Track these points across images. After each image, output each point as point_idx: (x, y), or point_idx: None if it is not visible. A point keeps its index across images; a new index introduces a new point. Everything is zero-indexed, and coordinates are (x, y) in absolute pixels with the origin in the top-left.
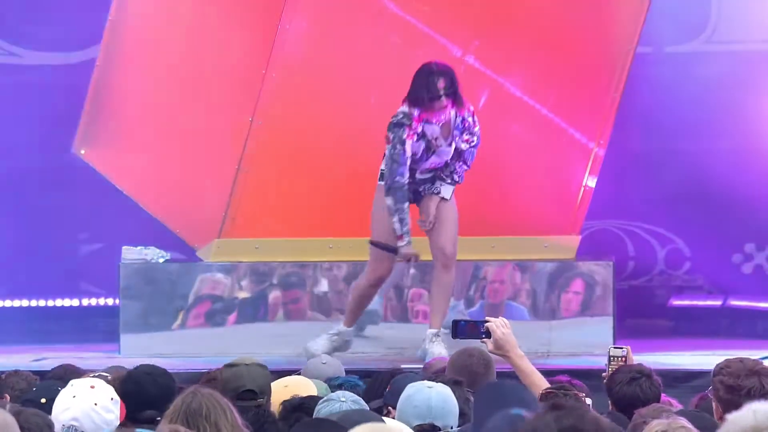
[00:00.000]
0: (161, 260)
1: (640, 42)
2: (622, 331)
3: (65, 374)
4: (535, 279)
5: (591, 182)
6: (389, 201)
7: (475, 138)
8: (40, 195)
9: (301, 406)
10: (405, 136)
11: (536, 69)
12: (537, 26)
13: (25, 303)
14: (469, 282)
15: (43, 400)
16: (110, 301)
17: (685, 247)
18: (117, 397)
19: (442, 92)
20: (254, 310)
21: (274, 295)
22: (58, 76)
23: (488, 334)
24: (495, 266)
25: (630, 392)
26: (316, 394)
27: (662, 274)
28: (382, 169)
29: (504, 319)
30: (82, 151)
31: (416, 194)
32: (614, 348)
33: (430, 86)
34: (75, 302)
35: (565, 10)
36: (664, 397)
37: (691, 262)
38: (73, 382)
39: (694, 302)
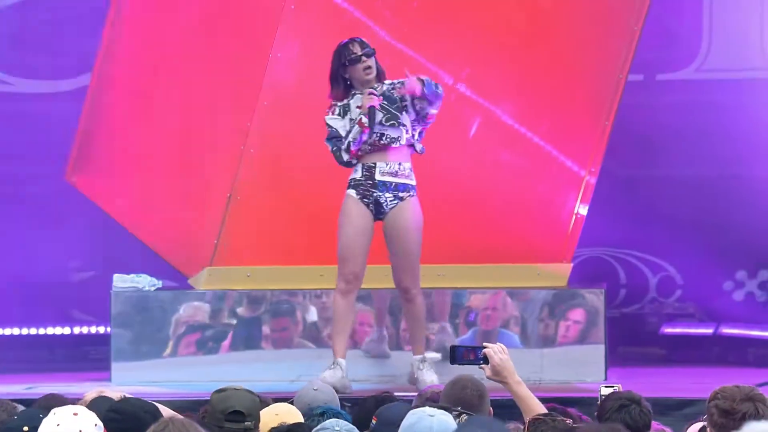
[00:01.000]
0: (153, 288)
1: (631, 70)
2: (615, 359)
3: (50, 403)
4: (527, 306)
5: (582, 210)
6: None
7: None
8: (31, 222)
9: None
10: (326, 116)
11: (528, 97)
12: (528, 54)
13: (16, 331)
14: (461, 310)
15: (25, 429)
16: (102, 329)
17: (676, 274)
18: (100, 423)
19: (360, 53)
20: (246, 338)
21: (265, 322)
22: (50, 103)
23: (486, 360)
24: (487, 294)
25: (619, 419)
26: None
27: (654, 302)
28: (350, 179)
29: (502, 345)
30: (74, 179)
31: (378, 206)
32: (605, 387)
33: (347, 53)
34: (66, 330)
35: (557, 38)
36: (656, 425)
37: (683, 290)
38: (56, 410)
39: (686, 330)
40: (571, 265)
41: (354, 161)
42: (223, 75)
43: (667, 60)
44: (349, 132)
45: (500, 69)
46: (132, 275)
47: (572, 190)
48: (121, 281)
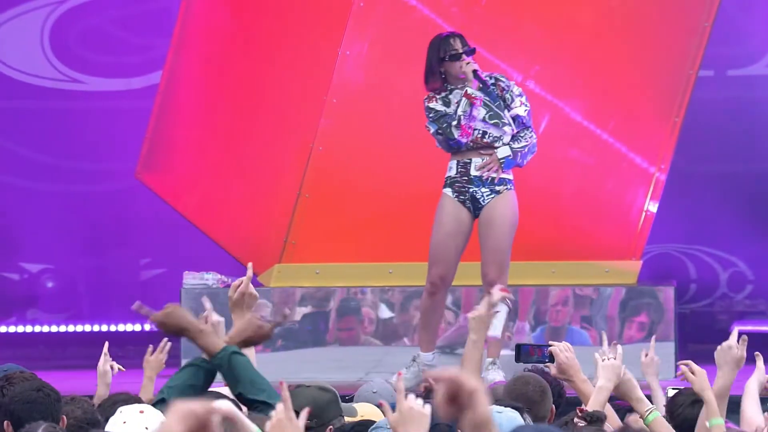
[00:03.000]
0: (222, 285)
1: (702, 66)
2: (685, 357)
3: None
4: (596, 304)
5: (652, 207)
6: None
7: (524, 99)
8: (102, 220)
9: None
10: (428, 103)
11: (597, 93)
12: (597, 51)
13: (87, 328)
14: (530, 307)
15: None
16: None
17: (747, 270)
18: None
19: (461, 50)
20: (313, 335)
21: (333, 320)
22: (121, 101)
23: (552, 358)
24: (556, 291)
25: (692, 415)
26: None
27: (724, 298)
28: (446, 178)
29: (567, 344)
30: (144, 176)
31: (474, 202)
32: (672, 388)
33: (448, 48)
34: (137, 327)
35: (626, 34)
36: (726, 423)
37: (754, 285)
38: (122, 409)
39: (757, 327)
40: (641, 262)
41: (464, 140)
42: (292, 73)
43: (737, 56)
44: (456, 109)
45: (569, 66)
46: (202, 272)
47: (642, 187)
48: (191, 278)
